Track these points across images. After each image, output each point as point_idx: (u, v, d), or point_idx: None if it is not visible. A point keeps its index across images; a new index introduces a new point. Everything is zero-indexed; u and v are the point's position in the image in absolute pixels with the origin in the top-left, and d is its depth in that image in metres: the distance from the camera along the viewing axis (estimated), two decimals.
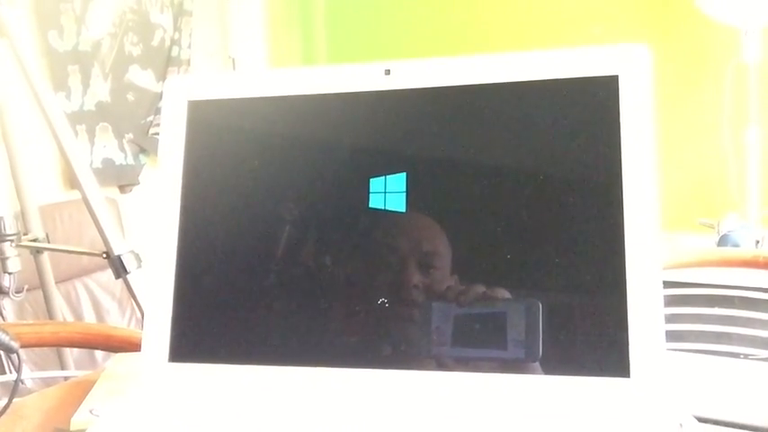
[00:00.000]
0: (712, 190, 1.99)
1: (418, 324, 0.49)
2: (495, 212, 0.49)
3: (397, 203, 0.50)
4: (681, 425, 0.43)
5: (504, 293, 0.48)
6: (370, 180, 0.51)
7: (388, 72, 0.52)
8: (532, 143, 0.50)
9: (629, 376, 0.45)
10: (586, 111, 0.49)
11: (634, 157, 0.47)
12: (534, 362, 0.47)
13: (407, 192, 0.50)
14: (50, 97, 1.31)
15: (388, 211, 0.51)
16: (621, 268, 0.46)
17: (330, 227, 0.51)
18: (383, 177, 0.51)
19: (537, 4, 2.22)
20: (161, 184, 0.54)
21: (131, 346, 0.86)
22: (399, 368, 0.49)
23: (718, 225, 1.83)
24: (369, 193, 0.51)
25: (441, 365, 0.48)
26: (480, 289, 0.48)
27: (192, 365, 0.52)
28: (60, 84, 2.12)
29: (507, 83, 0.50)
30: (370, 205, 0.51)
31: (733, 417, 0.55)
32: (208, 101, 0.55)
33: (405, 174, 0.50)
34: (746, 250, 1.65)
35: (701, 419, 0.53)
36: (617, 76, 0.48)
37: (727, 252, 1.47)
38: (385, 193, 0.51)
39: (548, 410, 0.46)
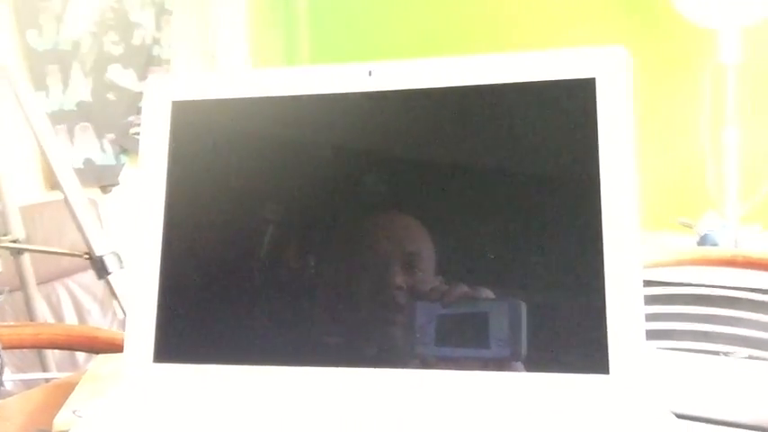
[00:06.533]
0: (691, 190, 2.02)
1: (402, 324, 0.49)
2: (477, 213, 0.50)
3: (381, 204, 0.51)
4: (660, 421, 0.44)
5: (487, 293, 0.49)
6: (354, 181, 0.51)
7: (370, 73, 0.52)
8: (512, 145, 0.50)
9: (608, 373, 0.46)
10: (564, 113, 0.49)
11: (612, 159, 0.48)
12: (517, 360, 0.48)
13: (390, 192, 0.51)
14: (31, 97, 1.30)
15: (371, 211, 0.51)
16: (600, 267, 0.47)
17: (313, 227, 0.52)
18: (366, 178, 0.51)
19: (517, 6, 2.24)
20: (144, 184, 0.54)
21: (115, 347, 0.85)
22: (384, 367, 0.49)
23: (698, 225, 1.86)
24: (352, 193, 0.51)
25: (425, 364, 0.49)
26: (463, 289, 0.49)
27: (177, 366, 0.52)
28: (40, 83, 2.10)
29: (486, 85, 0.50)
30: (354, 206, 0.51)
31: (712, 413, 0.55)
32: (191, 101, 0.55)
33: (387, 174, 0.51)
34: (726, 250, 1.67)
35: (680, 416, 0.53)
36: (594, 79, 0.49)
37: (707, 251, 1.49)
38: (368, 193, 0.51)
39: (530, 407, 0.46)
